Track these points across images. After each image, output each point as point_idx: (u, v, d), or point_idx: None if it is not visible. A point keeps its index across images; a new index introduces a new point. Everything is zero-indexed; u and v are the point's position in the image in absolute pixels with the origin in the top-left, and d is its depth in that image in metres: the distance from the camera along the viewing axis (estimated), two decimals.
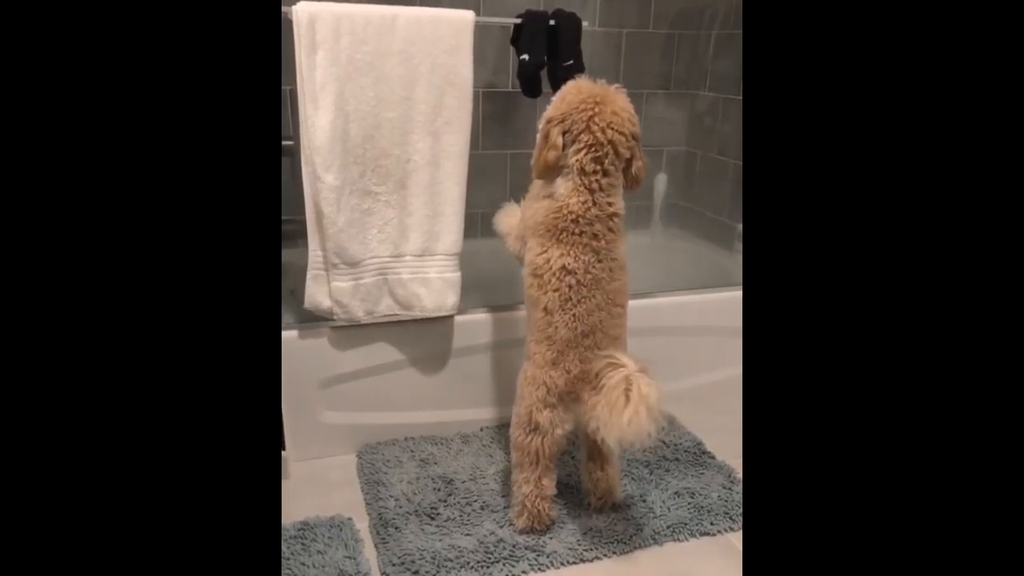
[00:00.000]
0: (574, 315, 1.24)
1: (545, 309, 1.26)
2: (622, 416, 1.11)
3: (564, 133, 1.21)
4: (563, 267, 1.23)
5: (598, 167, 1.20)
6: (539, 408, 1.27)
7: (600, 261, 1.24)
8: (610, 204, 1.23)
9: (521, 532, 1.34)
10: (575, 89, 1.23)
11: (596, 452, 1.39)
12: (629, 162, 1.24)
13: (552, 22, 1.58)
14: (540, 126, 1.26)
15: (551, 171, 1.24)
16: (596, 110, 1.19)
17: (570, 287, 1.23)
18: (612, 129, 1.19)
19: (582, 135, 1.19)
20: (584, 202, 1.21)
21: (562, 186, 1.23)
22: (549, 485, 1.33)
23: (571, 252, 1.23)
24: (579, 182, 1.21)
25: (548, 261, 1.24)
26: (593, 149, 1.19)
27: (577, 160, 1.20)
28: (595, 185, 1.21)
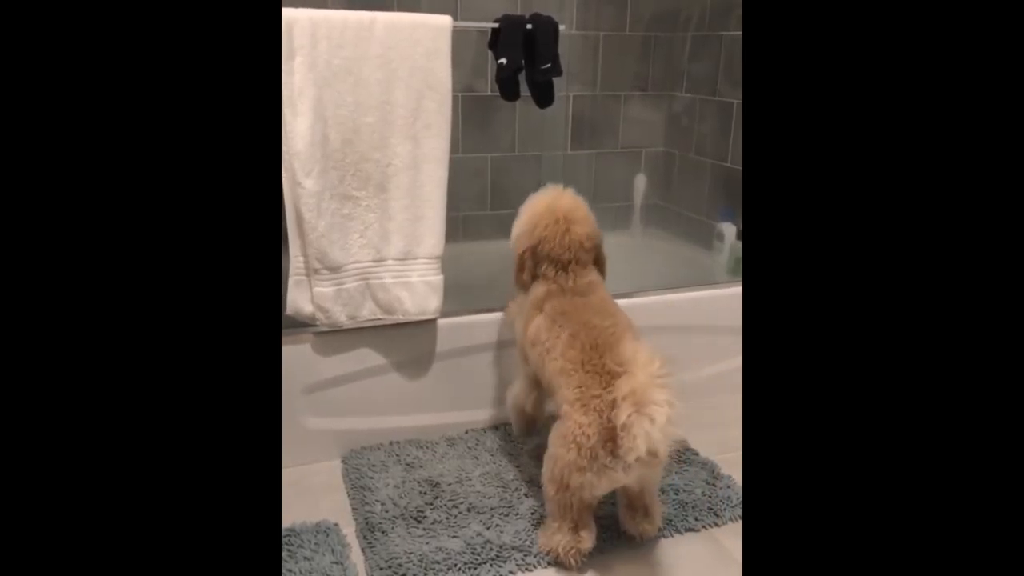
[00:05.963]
0: (570, 333, 1.26)
1: (547, 351, 1.30)
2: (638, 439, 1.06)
3: (534, 258, 1.40)
4: (544, 315, 1.34)
5: (562, 271, 1.38)
6: (570, 471, 1.18)
7: (580, 295, 1.35)
8: (578, 281, 1.37)
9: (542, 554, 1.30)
10: (540, 215, 1.39)
11: (637, 503, 1.31)
12: (593, 259, 1.42)
13: (529, 26, 1.59)
14: (513, 235, 1.44)
15: (528, 286, 1.42)
16: (558, 240, 1.36)
17: (554, 319, 1.31)
18: (573, 249, 1.37)
19: (547, 256, 1.38)
20: (548, 287, 1.38)
21: (535, 289, 1.40)
22: (587, 538, 1.25)
23: (549, 304, 1.35)
24: (544, 283, 1.38)
25: (536, 324, 1.35)
26: (559, 264, 1.37)
27: (543, 271, 1.39)
28: (561, 280, 1.37)
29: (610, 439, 1.14)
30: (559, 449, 1.20)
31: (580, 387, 1.19)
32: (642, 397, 1.07)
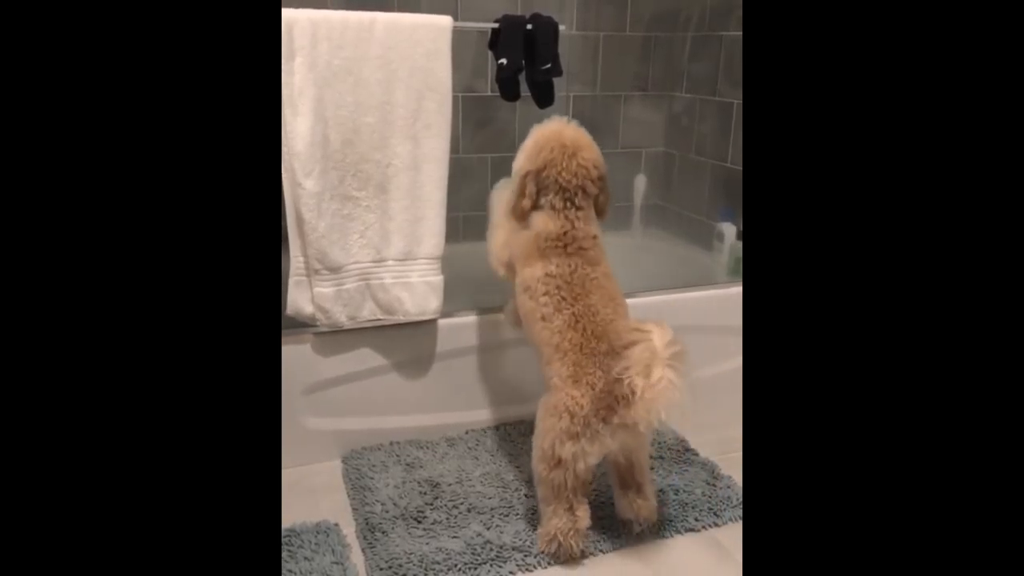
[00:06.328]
0: (573, 314, 1.25)
1: (543, 318, 1.28)
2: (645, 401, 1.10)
3: (537, 183, 1.32)
4: (547, 273, 1.29)
5: (570, 204, 1.31)
6: (562, 441, 1.19)
7: (590, 265, 1.30)
8: (587, 227, 1.32)
9: (543, 553, 1.30)
10: (547, 139, 1.33)
11: (629, 480, 1.33)
12: (596, 196, 1.35)
13: (529, 26, 1.59)
14: (515, 168, 1.37)
15: (527, 215, 1.35)
16: (565, 164, 1.30)
17: (559, 287, 1.28)
18: (580, 176, 1.31)
19: (554, 183, 1.31)
20: (562, 225, 1.31)
21: (538, 220, 1.33)
22: (584, 517, 1.26)
23: (555, 261, 1.30)
24: (552, 214, 1.32)
25: (534, 274, 1.31)
26: (564, 191, 1.31)
27: (549, 200, 1.32)
28: (570, 215, 1.31)
29: (603, 407, 1.18)
30: (550, 420, 1.22)
31: (576, 366, 1.21)
32: (657, 367, 1.10)
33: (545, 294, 1.28)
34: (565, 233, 1.30)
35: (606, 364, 1.19)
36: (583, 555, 1.29)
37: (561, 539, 1.26)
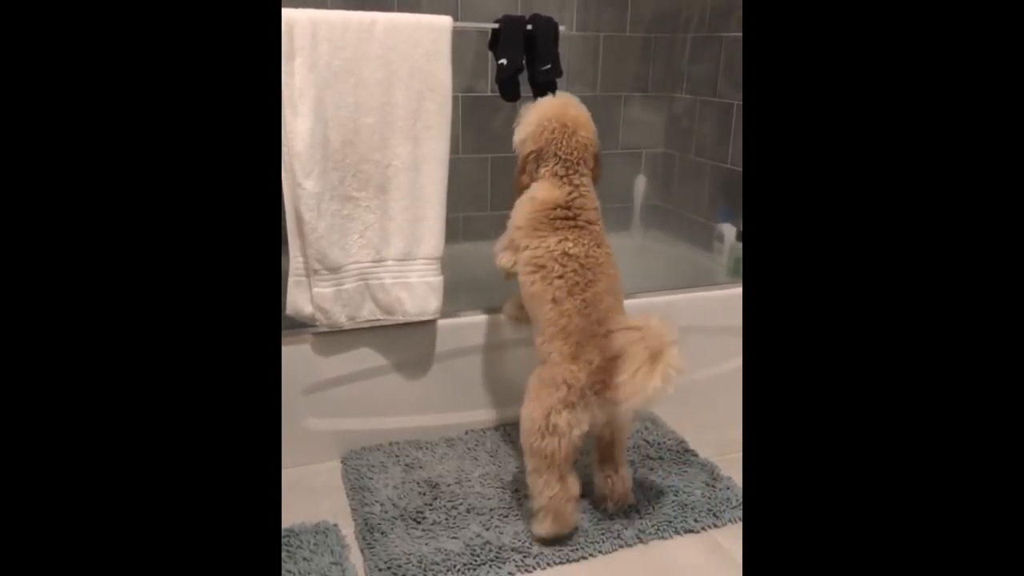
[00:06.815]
0: (584, 300, 1.27)
1: (553, 300, 1.29)
2: (646, 383, 1.14)
3: (538, 161, 1.36)
4: (564, 252, 1.30)
5: (573, 170, 1.35)
6: (558, 410, 1.24)
7: (599, 246, 1.33)
8: (592, 195, 1.36)
9: (544, 540, 1.31)
10: (548, 120, 1.36)
11: (608, 455, 1.38)
12: (592, 167, 1.40)
13: (529, 27, 1.59)
14: (515, 140, 1.40)
15: (526, 189, 1.39)
16: (565, 142, 1.34)
17: (575, 271, 1.29)
18: (579, 151, 1.35)
19: (553, 156, 1.35)
20: (570, 192, 1.33)
21: (541, 189, 1.35)
22: (574, 485, 1.29)
23: (570, 237, 1.32)
24: (556, 182, 1.34)
25: (549, 249, 1.31)
26: (566, 161, 1.35)
27: (551, 169, 1.35)
28: (575, 180, 1.34)
29: (597, 381, 1.24)
30: (546, 390, 1.26)
31: (577, 346, 1.26)
32: (653, 374, 1.15)
33: (560, 276, 1.29)
34: (573, 201, 1.33)
35: (602, 344, 1.24)
36: (576, 528, 1.32)
37: (556, 508, 1.28)
